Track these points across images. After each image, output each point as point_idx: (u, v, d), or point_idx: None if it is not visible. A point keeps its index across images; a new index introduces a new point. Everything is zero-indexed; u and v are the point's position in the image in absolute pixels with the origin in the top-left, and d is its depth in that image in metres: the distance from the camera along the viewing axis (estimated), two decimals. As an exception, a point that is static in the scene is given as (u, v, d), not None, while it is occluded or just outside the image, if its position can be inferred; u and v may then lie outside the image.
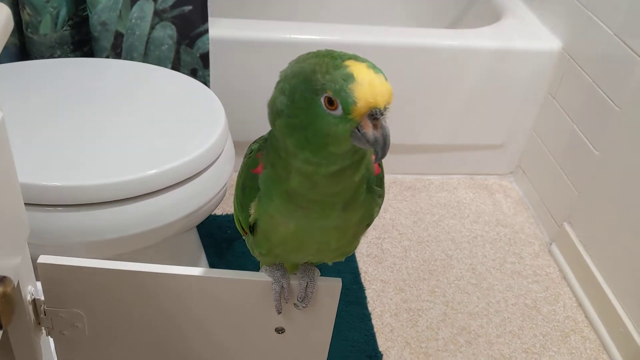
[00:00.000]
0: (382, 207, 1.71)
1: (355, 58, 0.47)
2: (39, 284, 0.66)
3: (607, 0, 1.43)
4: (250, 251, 0.64)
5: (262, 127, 0.70)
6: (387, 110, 0.47)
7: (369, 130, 0.46)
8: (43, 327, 0.68)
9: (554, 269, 1.59)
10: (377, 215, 0.59)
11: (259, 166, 0.56)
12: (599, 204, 1.47)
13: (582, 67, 1.53)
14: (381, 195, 0.59)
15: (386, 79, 0.46)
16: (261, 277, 0.64)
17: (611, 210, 1.42)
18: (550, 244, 1.65)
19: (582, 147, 1.53)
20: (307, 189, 0.52)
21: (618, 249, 1.39)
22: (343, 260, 0.64)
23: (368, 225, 0.60)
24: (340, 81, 0.45)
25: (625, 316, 1.34)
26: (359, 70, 0.46)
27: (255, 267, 0.71)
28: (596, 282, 1.44)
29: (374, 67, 0.47)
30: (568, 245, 1.56)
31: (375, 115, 0.46)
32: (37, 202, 0.96)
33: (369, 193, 0.56)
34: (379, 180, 0.58)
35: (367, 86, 0.45)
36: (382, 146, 0.47)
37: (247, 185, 0.58)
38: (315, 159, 0.49)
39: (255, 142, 0.59)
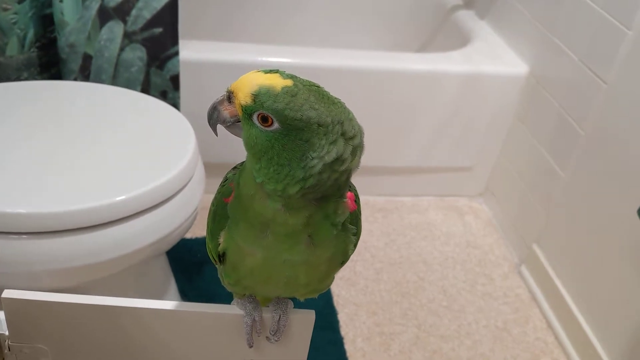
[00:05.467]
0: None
1: (268, 70, 0.53)
2: (3, 318, 0.64)
3: (572, 27, 1.47)
4: (221, 281, 0.64)
5: (233, 147, 0.70)
6: (233, 96, 0.54)
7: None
8: (6, 363, 0.66)
9: (523, 290, 1.61)
10: (352, 253, 0.59)
11: (232, 195, 0.56)
12: (566, 225, 1.49)
13: (548, 92, 1.56)
14: (356, 234, 0.58)
15: (266, 83, 0.51)
16: (232, 310, 0.63)
17: (578, 232, 1.44)
18: (520, 265, 1.67)
19: (549, 170, 1.55)
20: (248, 183, 0.54)
21: (586, 270, 1.41)
22: (316, 297, 0.63)
23: (343, 262, 0.60)
24: None
25: (594, 337, 1.36)
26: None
27: (225, 292, 0.69)
28: (565, 304, 1.46)
29: (264, 73, 0.52)
30: (537, 267, 1.58)
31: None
32: (0, 229, 0.94)
33: (343, 231, 0.56)
34: (354, 217, 0.57)
35: (238, 78, 0.52)
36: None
37: (218, 214, 0.58)
38: None
39: (232, 169, 0.59)
